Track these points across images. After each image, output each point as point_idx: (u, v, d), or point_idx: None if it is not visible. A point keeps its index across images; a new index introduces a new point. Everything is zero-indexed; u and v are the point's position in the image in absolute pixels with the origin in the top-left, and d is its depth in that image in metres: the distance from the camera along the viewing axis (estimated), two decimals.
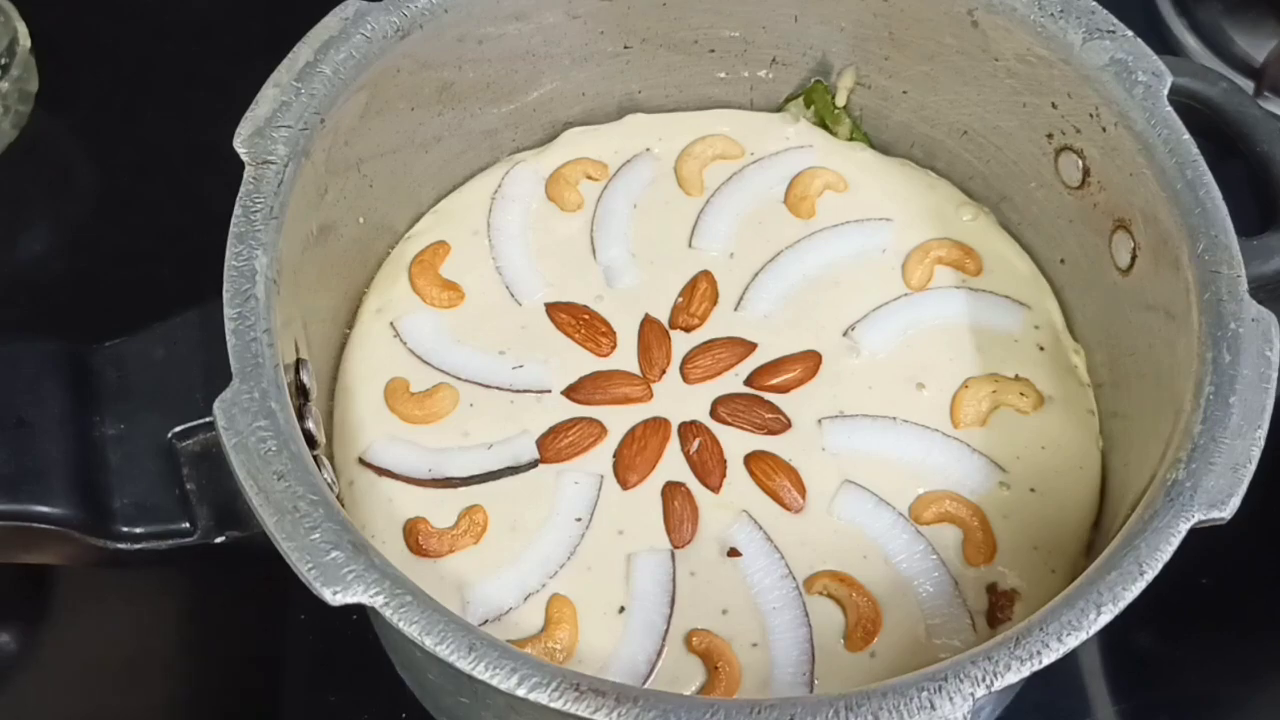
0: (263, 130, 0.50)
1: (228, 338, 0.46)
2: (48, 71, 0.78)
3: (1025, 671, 0.40)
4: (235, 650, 0.62)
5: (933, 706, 0.40)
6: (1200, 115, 0.56)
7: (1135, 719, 0.61)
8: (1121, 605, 0.42)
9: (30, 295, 0.72)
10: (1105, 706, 0.61)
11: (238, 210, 0.49)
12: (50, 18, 0.78)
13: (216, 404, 0.44)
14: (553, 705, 0.40)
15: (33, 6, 0.76)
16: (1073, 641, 0.41)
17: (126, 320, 0.70)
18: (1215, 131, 0.54)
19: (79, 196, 0.76)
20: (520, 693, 0.40)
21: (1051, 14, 0.54)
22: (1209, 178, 0.51)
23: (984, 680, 0.40)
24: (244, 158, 0.50)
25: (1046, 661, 0.41)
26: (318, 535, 0.43)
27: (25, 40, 0.75)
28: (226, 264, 0.48)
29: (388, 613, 0.42)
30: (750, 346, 0.58)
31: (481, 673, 0.41)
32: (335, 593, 0.42)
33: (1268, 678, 0.64)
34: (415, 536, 0.53)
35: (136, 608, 0.63)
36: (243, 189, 0.49)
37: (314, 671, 0.61)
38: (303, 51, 0.52)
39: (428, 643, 0.41)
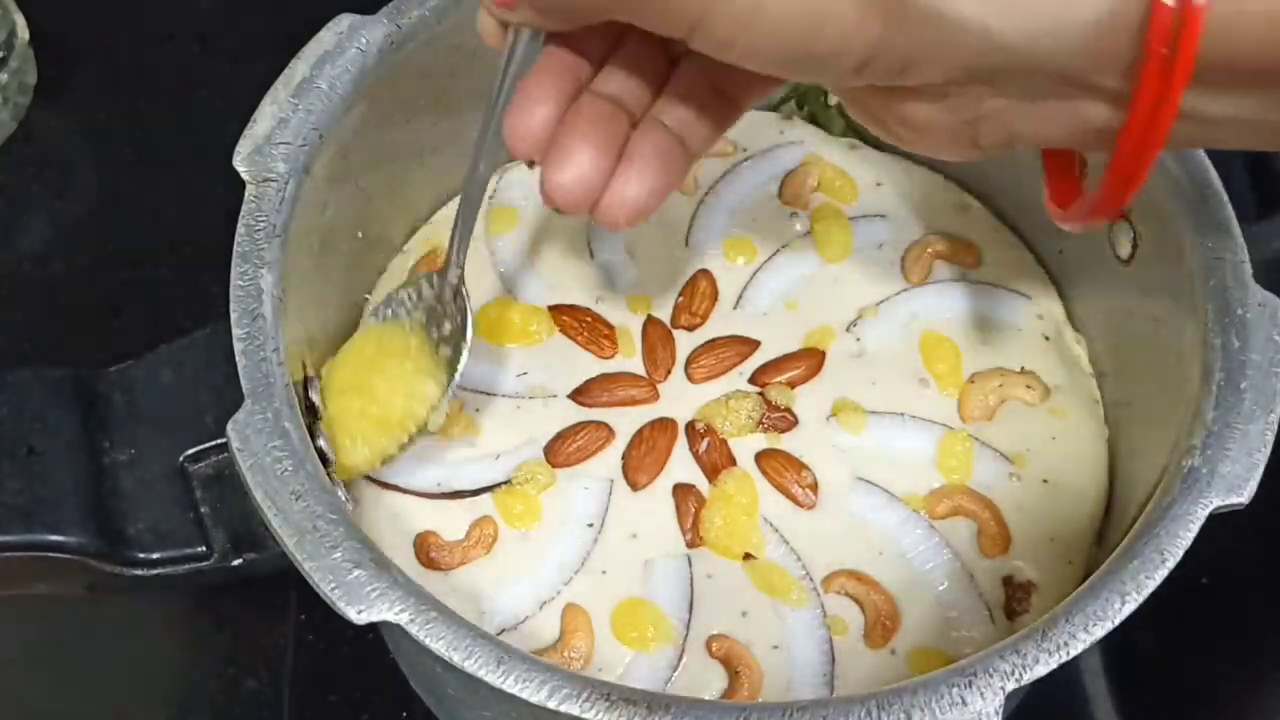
0: (262, 148, 0.50)
1: (237, 358, 0.46)
2: (46, 65, 0.77)
3: (1054, 664, 0.41)
4: (235, 649, 0.62)
5: (964, 702, 0.40)
6: None
7: (1135, 719, 0.61)
8: (1145, 593, 0.42)
9: (33, 296, 0.71)
10: (1105, 706, 0.61)
11: (240, 229, 0.48)
12: (49, 11, 0.77)
13: (230, 425, 0.44)
14: (585, 716, 0.40)
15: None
16: (1099, 631, 0.41)
17: (129, 322, 0.70)
18: None
19: (78, 191, 0.76)
20: (551, 705, 0.40)
21: None
22: (1208, 164, 0.51)
23: (1014, 674, 0.40)
24: (244, 176, 0.49)
25: (1074, 653, 0.41)
26: (339, 554, 0.42)
27: (24, 33, 0.75)
28: (232, 284, 0.47)
29: (414, 629, 0.41)
30: (753, 344, 0.58)
31: (511, 686, 0.41)
32: (360, 611, 0.42)
33: (1268, 678, 0.64)
34: (426, 550, 0.53)
35: (137, 607, 0.63)
36: (245, 207, 0.49)
37: (314, 671, 0.61)
38: (298, 67, 0.52)
39: (455, 658, 0.41)
